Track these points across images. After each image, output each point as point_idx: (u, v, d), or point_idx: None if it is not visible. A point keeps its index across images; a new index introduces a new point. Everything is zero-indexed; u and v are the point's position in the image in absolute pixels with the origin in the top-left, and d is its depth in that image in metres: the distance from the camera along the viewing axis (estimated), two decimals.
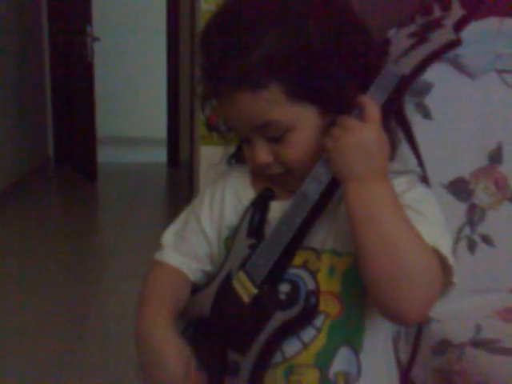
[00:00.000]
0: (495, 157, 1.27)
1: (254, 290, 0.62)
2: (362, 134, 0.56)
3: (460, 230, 1.19)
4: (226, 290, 0.64)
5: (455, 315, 1.06)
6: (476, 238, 1.19)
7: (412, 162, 0.78)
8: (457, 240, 1.18)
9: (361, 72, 0.59)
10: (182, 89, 4.14)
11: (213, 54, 0.61)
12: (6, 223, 3.03)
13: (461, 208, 1.19)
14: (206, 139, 1.82)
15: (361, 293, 0.61)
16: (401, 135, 0.68)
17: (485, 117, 1.27)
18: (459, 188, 1.22)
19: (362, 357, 0.64)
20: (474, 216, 1.21)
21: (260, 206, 0.65)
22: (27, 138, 3.88)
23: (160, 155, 4.47)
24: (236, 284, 0.63)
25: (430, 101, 1.16)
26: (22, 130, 3.74)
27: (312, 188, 0.59)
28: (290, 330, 0.61)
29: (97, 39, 3.73)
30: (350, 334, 0.64)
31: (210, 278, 0.69)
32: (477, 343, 1.00)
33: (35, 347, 1.78)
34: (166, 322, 0.62)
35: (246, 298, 0.62)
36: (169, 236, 0.73)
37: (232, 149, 0.73)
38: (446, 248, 0.58)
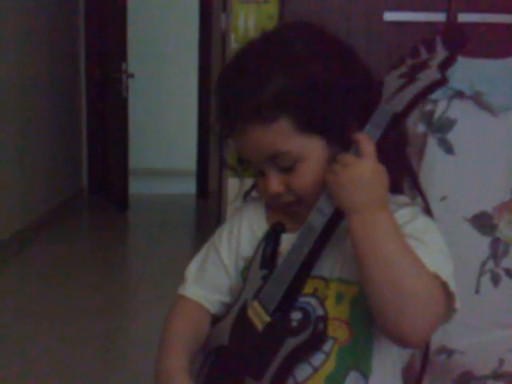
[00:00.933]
0: None
1: (267, 318, 0.65)
2: (359, 168, 0.60)
3: (484, 263, 1.20)
4: (242, 319, 0.68)
5: (479, 348, 1.07)
6: (500, 271, 1.19)
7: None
8: (480, 274, 1.18)
9: (361, 109, 0.64)
10: (211, 122, 4.24)
11: (228, 93, 0.67)
12: (40, 251, 3.12)
13: (484, 242, 1.20)
14: (233, 171, 1.87)
15: (369, 319, 0.64)
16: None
17: (508, 152, 1.29)
18: (483, 222, 1.23)
19: (371, 381, 0.66)
20: (498, 250, 1.21)
21: (272, 238, 0.69)
22: (62, 170, 4.02)
23: (189, 186, 4.56)
24: (250, 313, 0.67)
25: (452, 136, 1.18)
26: (57, 162, 3.88)
27: (317, 220, 0.63)
28: (300, 355, 0.64)
29: (131, 75, 3.87)
30: (358, 359, 0.66)
31: (228, 309, 0.73)
32: (498, 376, 1.00)
33: (58, 370, 1.81)
34: (184, 368, 0.67)
35: (259, 326, 0.66)
36: (191, 270, 0.77)
37: (247, 186, 0.77)
38: (446, 273, 0.61)
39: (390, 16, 1.49)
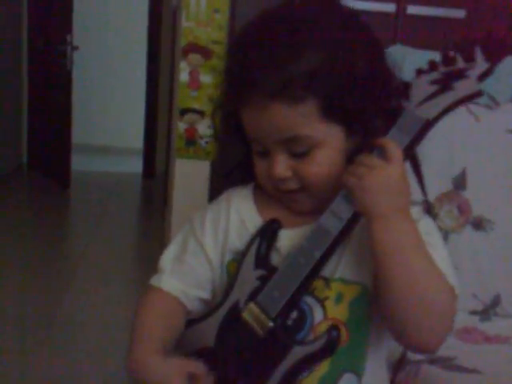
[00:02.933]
0: (459, 183, 1.33)
1: (269, 323, 0.61)
2: (388, 173, 0.58)
3: None
4: (235, 322, 0.63)
5: None
6: None
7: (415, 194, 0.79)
8: None
9: (387, 107, 0.61)
10: (160, 100, 4.16)
11: (252, 61, 0.60)
12: None
13: None
14: (181, 152, 1.84)
15: (366, 321, 0.64)
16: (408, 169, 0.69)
17: (450, 144, 1.34)
18: (424, 211, 1.28)
19: (364, 379, 0.66)
20: None
21: (267, 236, 0.64)
22: (0, 144, 3.83)
23: (136, 166, 4.46)
24: (247, 316, 0.62)
25: None
26: None
27: (332, 223, 0.60)
28: (311, 363, 0.62)
29: (76, 48, 3.73)
30: (353, 361, 0.65)
31: (207, 307, 0.69)
32: (433, 360, 1.04)
33: None
34: (158, 352, 0.62)
35: (260, 331, 0.62)
36: (167, 260, 0.71)
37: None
38: (453, 278, 0.61)
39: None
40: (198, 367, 0.62)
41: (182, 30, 1.81)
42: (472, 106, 1.34)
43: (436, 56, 0.63)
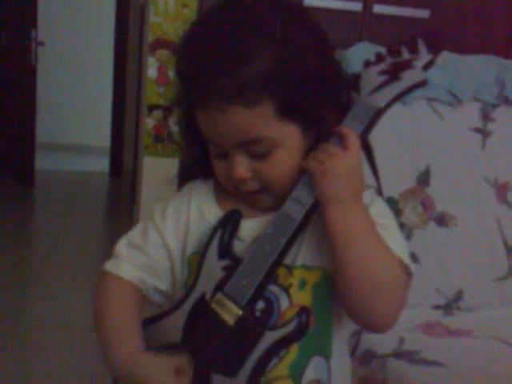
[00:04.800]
0: (423, 179, 1.35)
1: (239, 312, 0.62)
2: (347, 159, 0.60)
3: None
4: (203, 313, 0.63)
5: None
6: None
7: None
8: None
9: (339, 100, 0.63)
10: (127, 97, 4.11)
11: (204, 68, 0.60)
12: None
13: None
14: (149, 149, 1.82)
15: (330, 304, 0.65)
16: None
17: (414, 141, 1.36)
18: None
19: (332, 362, 0.67)
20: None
21: (229, 226, 0.65)
22: None
23: (102, 164, 4.39)
24: (216, 307, 0.63)
25: None
26: None
27: (294, 209, 0.62)
28: (281, 347, 0.63)
29: (41, 43, 3.64)
30: (321, 344, 0.67)
31: (164, 298, 0.69)
32: (398, 354, 1.06)
33: None
34: (146, 349, 0.63)
35: (230, 321, 0.62)
36: (123, 246, 0.70)
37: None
38: (407, 257, 0.63)
39: (310, 1, 1.51)
40: (183, 361, 0.62)
41: (150, 25, 1.79)
42: (435, 104, 1.36)
43: (382, 50, 0.67)
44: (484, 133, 1.39)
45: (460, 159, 1.38)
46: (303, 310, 0.62)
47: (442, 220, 1.35)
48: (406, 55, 0.64)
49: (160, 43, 1.76)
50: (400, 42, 0.65)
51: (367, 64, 0.66)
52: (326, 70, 0.62)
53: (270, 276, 0.63)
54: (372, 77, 0.64)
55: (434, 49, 0.63)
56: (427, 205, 1.35)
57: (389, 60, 0.64)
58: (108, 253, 0.72)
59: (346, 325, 0.69)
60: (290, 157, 0.63)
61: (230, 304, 0.62)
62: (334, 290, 0.64)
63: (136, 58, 3.35)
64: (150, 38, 1.78)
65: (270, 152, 0.62)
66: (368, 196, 0.65)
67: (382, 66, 0.64)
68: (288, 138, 0.62)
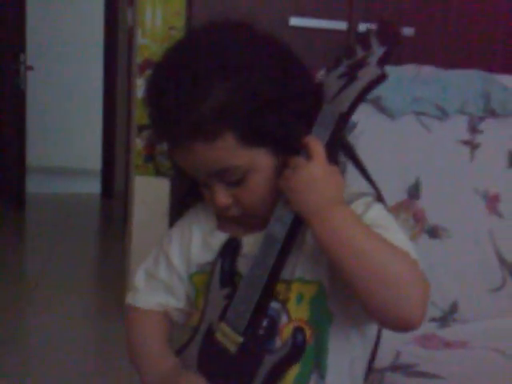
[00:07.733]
0: (413, 192, 1.36)
1: (239, 339, 0.63)
2: (309, 170, 0.59)
3: None
4: (210, 344, 0.65)
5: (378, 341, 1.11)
6: None
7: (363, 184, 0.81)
8: None
9: (305, 113, 0.63)
10: (118, 119, 4.11)
11: (163, 108, 0.62)
12: None
13: None
14: (140, 169, 1.82)
15: (325, 317, 0.65)
16: (347, 162, 0.71)
17: (404, 154, 1.37)
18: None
19: (327, 380, 0.66)
20: None
21: (229, 255, 0.67)
22: None
23: (94, 186, 4.38)
24: (220, 336, 0.64)
25: (352, 138, 1.23)
26: None
27: (277, 229, 0.61)
28: (283, 369, 0.63)
29: (30, 68, 3.66)
30: (318, 359, 0.66)
31: (187, 316, 0.73)
32: (396, 368, 1.05)
33: None
34: (176, 367, 0.67)
35: (232, 348, 0.63)
36: (140, 277, 0.75)
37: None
38: (414, 252, 0.60)
39: (295, 21, 1.53)
40: None
41: (138, 46, 1.80)
42: (423, 118, 1.38)
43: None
44: (472, 145, 1.40)
45: (449, 171, 1.39)
46: (297, 329, 0.63)
47: (434, 232, 1.35)
48: (360, 53, 0.62)
49: (148, 64, 1.77)
50: (355, 40, 0.64)
51: (327, 70, 0.65)
52: (284, 88, 0.62)
53: (267, 298, 0.63)
54: (332, 82, 0.63)
55: (388, 41, 0.61)
56: (419, 217, 1.35)
57: (345, 62, 0.63)
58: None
59: (358, 344, 0.68)
60: (265, 179, 0.63)
61: (231, 332, 0.63)
62: (331, 303, 0.64)
63: (125, 80, 3.37)
64: (138, 59, 1.79)
65: (245, 177, 0.63)
66: (361, 205, 0.64)
67: (340, 70, 0.63)
68: (258, 161, 0.63)
